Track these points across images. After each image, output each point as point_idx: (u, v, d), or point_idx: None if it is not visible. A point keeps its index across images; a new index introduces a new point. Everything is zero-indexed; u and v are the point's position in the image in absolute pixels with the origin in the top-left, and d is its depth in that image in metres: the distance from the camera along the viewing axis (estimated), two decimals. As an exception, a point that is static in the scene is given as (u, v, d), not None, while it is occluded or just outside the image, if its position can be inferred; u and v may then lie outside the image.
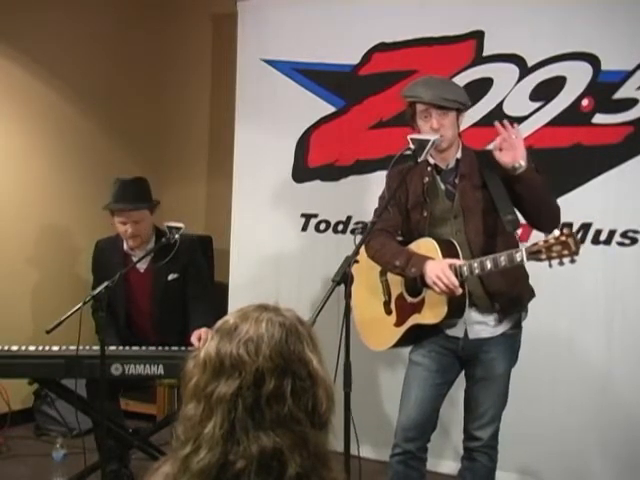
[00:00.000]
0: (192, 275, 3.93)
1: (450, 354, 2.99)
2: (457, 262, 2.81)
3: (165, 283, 3.90)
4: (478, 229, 2.92)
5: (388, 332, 3.04)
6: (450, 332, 2.96)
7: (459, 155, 3.00)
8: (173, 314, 3.92)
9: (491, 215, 2.92)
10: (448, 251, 2.88)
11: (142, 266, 3.89)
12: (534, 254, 2.63)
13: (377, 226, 2.97)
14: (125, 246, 3.91)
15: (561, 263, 2.60)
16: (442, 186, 3.00)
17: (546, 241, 2.60)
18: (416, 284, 2.93)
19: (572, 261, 2.59)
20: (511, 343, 3.00)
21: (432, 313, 2.89)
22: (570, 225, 3.81)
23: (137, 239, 3.83)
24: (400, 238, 3.11)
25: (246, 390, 1.27)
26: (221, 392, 1.28)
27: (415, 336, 3.01)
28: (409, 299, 2.97)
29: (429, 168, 3.01)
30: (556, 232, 2.59)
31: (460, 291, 2.79)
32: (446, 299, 2.83)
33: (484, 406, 2.98)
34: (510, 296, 2.92)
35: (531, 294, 3.04)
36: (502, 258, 2.71)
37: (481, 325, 2.94)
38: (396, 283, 3.02)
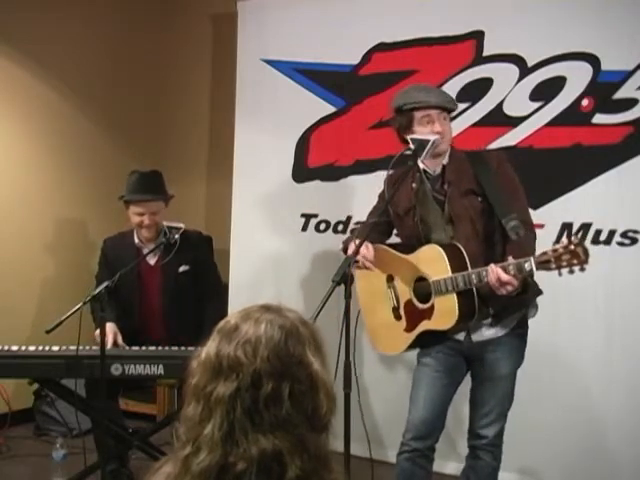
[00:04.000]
0: (203, 269, 4.00)
1: (457, 354, 3.00)
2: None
3: (176, 275, 3.95)
4: (468, 235, 2.90)
5: (399, 337, 3.03)
6: (454, 335, 2.97)
7: (445, 161, 2.98)
8: (184, 310, 3.94)
9: (480, 220, 2.90)
10: (454, 257, 2.85)
11: (152, 260, 3.95)
12: (543, 264, 2.59)
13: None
14: (136, 240, 3.95)
15: (571, 272, 2.57)
16: (430, 192, 2.98)
17: (555, 250, 2.56)
18: (425, 291, 2.93)
19: (582, 269, 2.57)
20: (517, 343, 3.00)
21: (442, 320, 2.88)
22: (570, 225, 3.82)
23: (152, 230, 3.88)
24: (392, 241, 3.15)
25: (244, 392, 1.27)
26: (219, 393, 1.28)
27: (425, 340, 3.01)
28: (419, 305, 2.96)
29: (418, 174, 2.99)
30: (564, 240, 2.56)
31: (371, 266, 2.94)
32: (457, 306, 2.82)
33: (489, 405, 2.98)
34: (504, 301, 2.85)
35: (538, 292, 3.01)
36: (510, 267, 2.66)
37: (483, 327, 2.94)
38: (404, 289, 3.01)
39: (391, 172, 2.99)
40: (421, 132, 2.91)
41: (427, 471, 3.06)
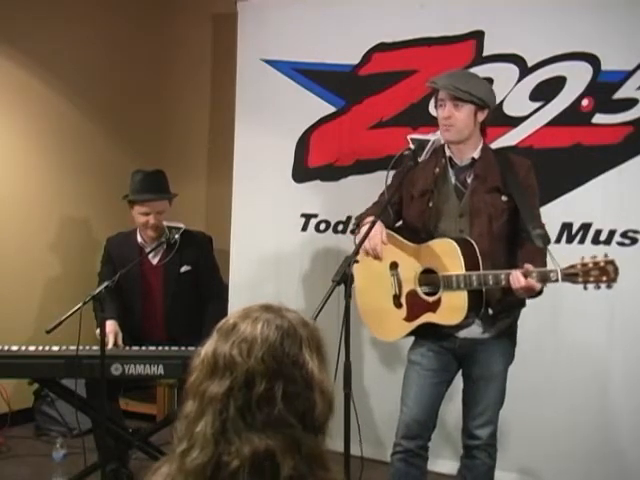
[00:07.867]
0: (205, 270, 4.00)
1: (447, 353, 3.00)
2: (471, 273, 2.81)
3: (178, 275, 3.96)
4: (482, 232, 2.89)
5: (397, 325, 3.03)
6: (449, 330, 2.97)
7: (477, 154, 2.97)
8: (185, 309, 3.94)
9: (499, 220, 2.90)
10: (468, 254, 2.84)
11: (155, 259, 3.95)
12: (570, 276, 2.59)
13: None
14: (139, 239, 3.95)
15: (597, 287, 2.58)
16: (452, 181, 2.98)
17: (584, 264, 2.56)
18: (430, 283, 2.93)
19: (609, 287, 2.57)
20: (507, 342, 3.01)
21: (450, 315, 2.88)
22: (570, 225, 3.82)
23: (158, 229, 3.87)
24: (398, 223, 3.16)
25: (237, 391, 1.27)
26: (213, 391, 1.28)
27: (424, 330, 3.01)
28: (424, 297, 2.95)
29: (443, 160, 2.99)
30: (595, 255, 2.56)
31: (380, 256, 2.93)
32: (467, 302, 2.82)
33: (482, 405, 2.99)
34: (504, 304, 2.88)
35: (522, 304, 3.01)
36: (534, 275, 2.67)
37: (475, 326, 2.94)
38: (408, 279, 3.00)
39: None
40: (437, 114, 2.94)
41: (421, 470, 3.06)
